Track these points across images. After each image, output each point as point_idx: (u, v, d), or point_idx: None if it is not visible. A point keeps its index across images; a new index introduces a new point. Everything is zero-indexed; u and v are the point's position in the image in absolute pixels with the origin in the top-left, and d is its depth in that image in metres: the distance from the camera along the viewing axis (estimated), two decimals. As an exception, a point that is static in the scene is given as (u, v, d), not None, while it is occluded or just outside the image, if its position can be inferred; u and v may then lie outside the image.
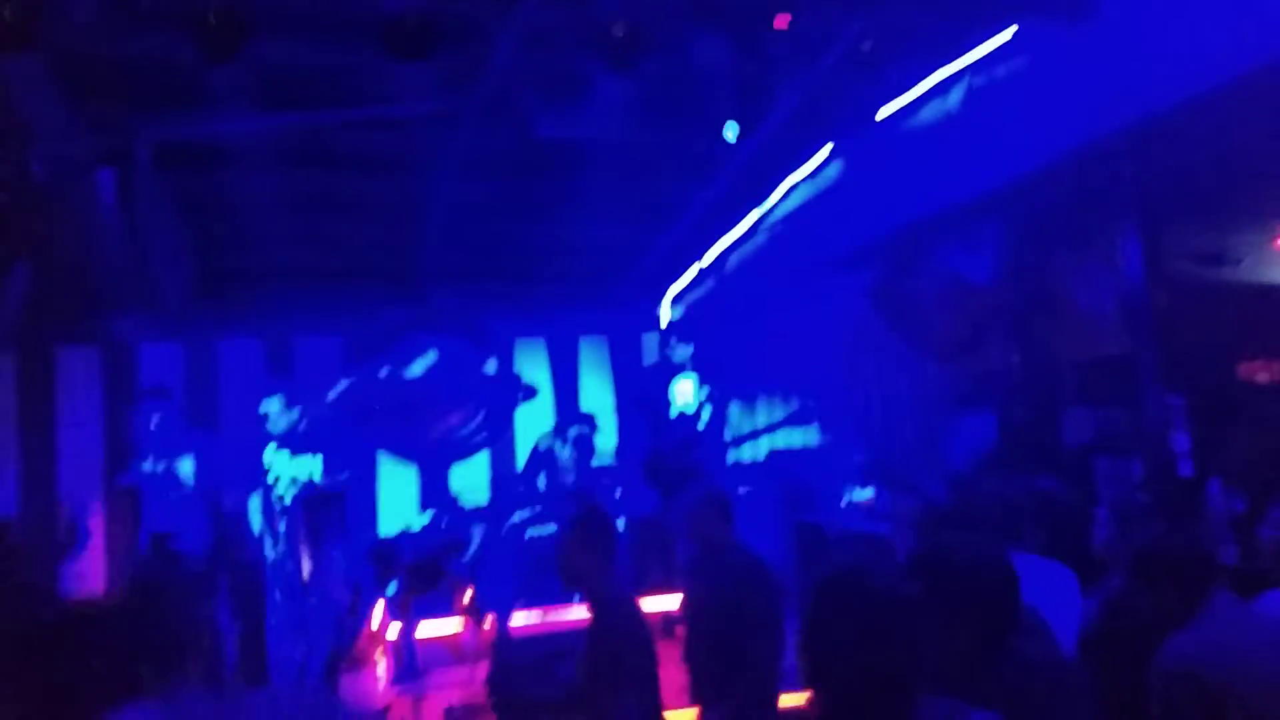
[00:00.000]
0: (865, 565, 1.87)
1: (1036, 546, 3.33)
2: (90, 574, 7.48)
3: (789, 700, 3.78)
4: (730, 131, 5.07)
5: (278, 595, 5.85)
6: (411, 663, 5.92)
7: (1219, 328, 5.19)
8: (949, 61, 5.41)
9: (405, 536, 6.51)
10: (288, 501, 5.98)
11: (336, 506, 6.40)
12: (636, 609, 3.33)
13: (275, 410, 6.21)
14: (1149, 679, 2.55)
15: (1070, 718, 2.17)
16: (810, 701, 1.80)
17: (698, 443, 5.60)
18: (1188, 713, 2.44)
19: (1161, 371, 5.33)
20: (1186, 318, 5.26)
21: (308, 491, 6.08)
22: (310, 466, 6.13)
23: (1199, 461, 5.11)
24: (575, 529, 3.37)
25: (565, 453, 7.61)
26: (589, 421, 7.87)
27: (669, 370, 5.86)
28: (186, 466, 5.75)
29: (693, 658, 3.86)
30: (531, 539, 7.02)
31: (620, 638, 3.19)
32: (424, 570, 6.05)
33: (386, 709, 5.40)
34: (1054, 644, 2.52)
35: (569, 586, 3.54)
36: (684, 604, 4.00)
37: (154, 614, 1.81)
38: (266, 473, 6.05)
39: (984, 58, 5.24)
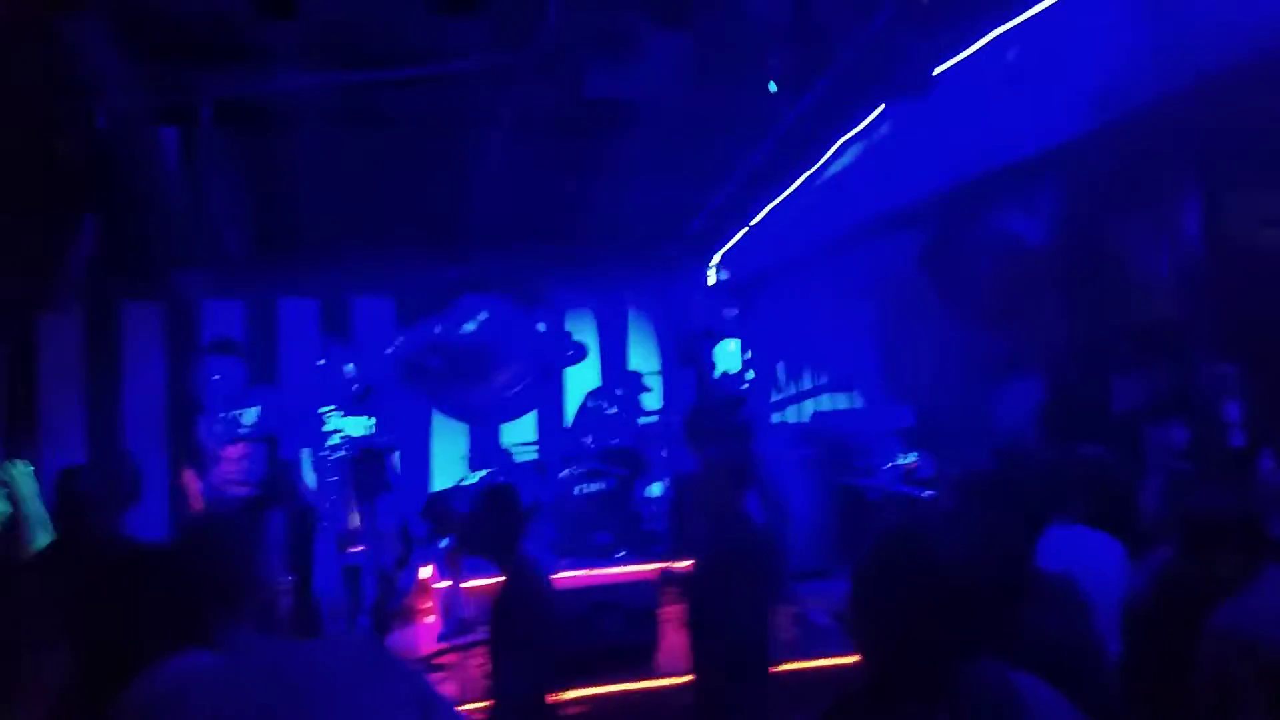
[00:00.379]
0: (916, 527, 1.88)
1: (1083, 516, 3.31)
2: (155, 524, 7.74)
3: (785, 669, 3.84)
4: (772, 86, 5.04)
5: (331, 547, 6.01)
6: (460, 616, 6.05)
7: (1278, 294, 5.07)
8: (1007, 19, 5.30)
9: (460, 490, 6.61)
10: (341, 455, 6.11)
11: (388, 463, 6.53)
12: (543, 579, 3.58)
13: (332, 368, 6.32)
14: (1200, 647, 2.50)
15: (1077, 692, 2.16)
16: (860, 662, 1.79)
17: (740, 404, 5.62)
18: (1241, 679, 2.39)
19: (1216, 339, 5.23)
20: (1244, 284, 5.14)
21: (360, 448, 6.21)
22: (364, 425, 6.25)
23: (1251, 432, 5.01)
24: (485, 501, 3.63)
25: (612, 411, 7.69)
26: (636, 380, 7.93)
27: (715, 332, 5.87)
28: (249, 418, 5.90)
29: (694, 627, 3.89)
30: (579, 495, 7.12)
31: (524, 604, 3.43)
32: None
33: (434, 661, 5.53)
34: (1079, 616, 2.46)
35: (476, 555, 3.73)
36: (689, 572, 4.02)
37: (203, 561, 1.86)
38: (322, 428, 6.19)
39: (1041, 14, 5.13)
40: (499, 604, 3.49)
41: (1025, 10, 5.20)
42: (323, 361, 6.37)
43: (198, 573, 1.83)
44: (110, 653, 1.69)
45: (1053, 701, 1.78)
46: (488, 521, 3.58)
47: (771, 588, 3.79)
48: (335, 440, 6.04)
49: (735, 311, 6.01)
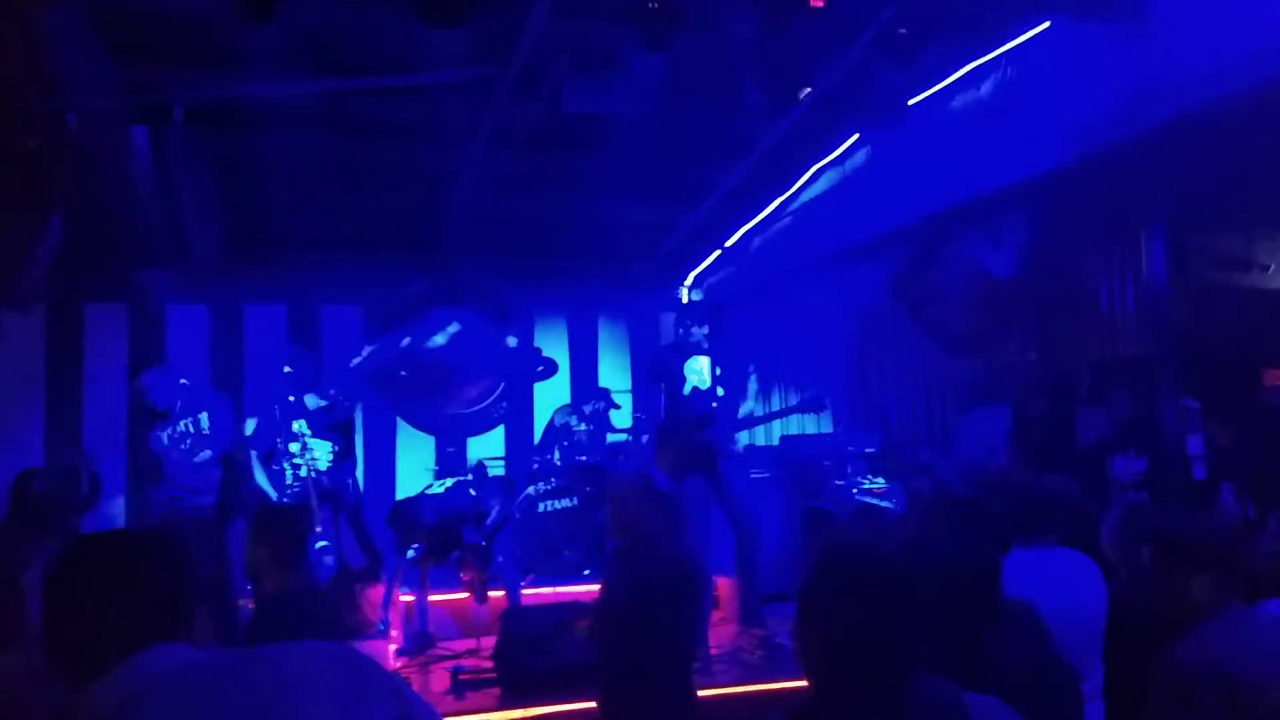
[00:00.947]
0: (864, 541, 1.89)
1: (1050, 542, 3.34)
2: (113, 526, 7.61)
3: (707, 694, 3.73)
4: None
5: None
6: (423, 629, 5.99)
7: (1240, 332, 5.17)
8: (983, 52, 5.39)
9: (426, 498, 6.52)
10: (303, 472, 6.04)
11: (351, 476, 6.48)
12: (299, 603, 3.46)
13: (298, 376, 6.26)
14: (1162, 673, 2.46)
15: (1045, 714, 2.15)
16: (807, 678, 1.80)
17: (707, 423, 5.62)
18: (1208, 706, 2.34)
19: (1179, 374, 5.32)
20: (1207, 321, 5.24)
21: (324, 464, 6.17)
22: (328, 449, 6.22)
23: (1212, 465, 5.10)
24: (255, 527, 3.57)
25: (581, 427, 7.66)
26: (605, 396, 7.91)
27: (685, 350, 5.87)
28: (205, 425, 5.86)
29: (601, 651, 3.66)
30: (546, 512, 7.08)
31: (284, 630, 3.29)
32: (446, 534, 6.07)
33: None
34: (1042, 639, 2.48)
35: (248, 580, 3.64)
36: (600, 595, 3.71)
37: (158, 563, 1.83)
38: (288, 439, 6.13)
39: (1016, 49, 5.22)
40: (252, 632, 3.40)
41: (1000, 45, 5.29)
42: (288, 369, 6.30)
43: (147, 577, 1.78)
44: (82, 646, 1.65)
45: None
46: (255, 548, 3.44)
47: (689, 619, 3.64)
48: (300, 459, 5.99)
49: (705, 330, 6.02)
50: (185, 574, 1.83)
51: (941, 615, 2.18)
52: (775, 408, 8.86)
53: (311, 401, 6.23)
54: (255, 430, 6.15)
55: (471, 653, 5.56)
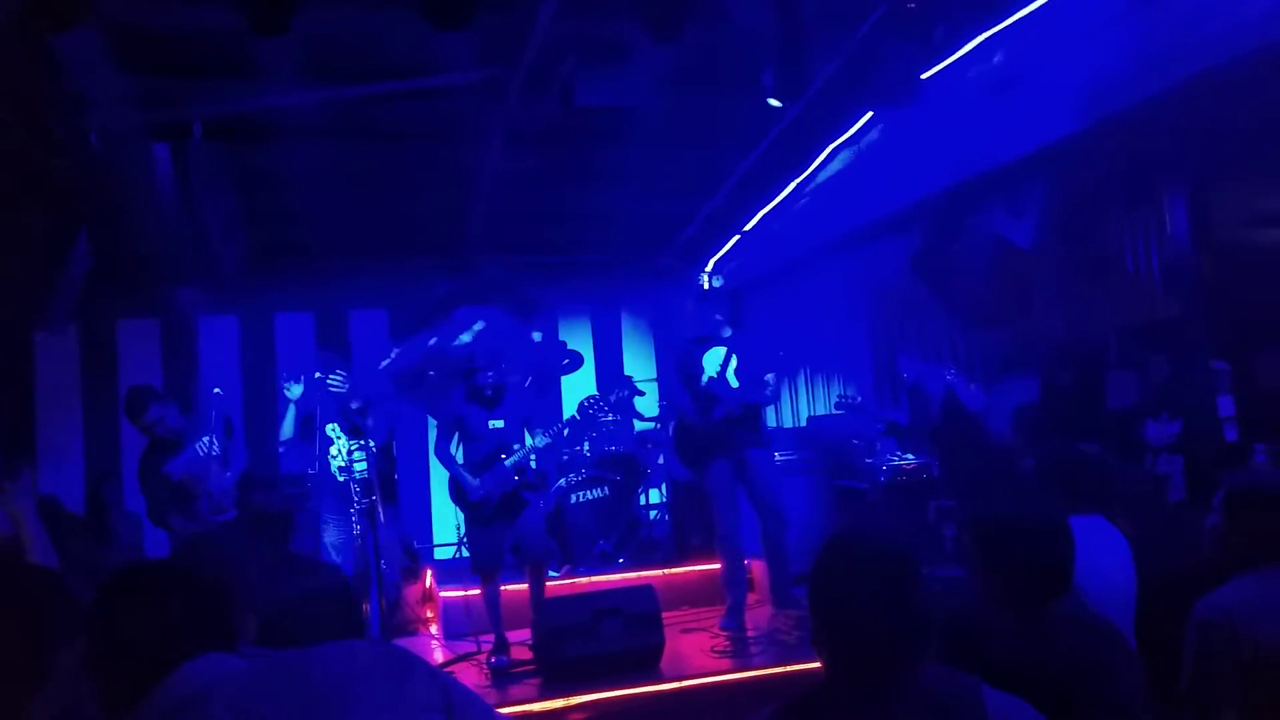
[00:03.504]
0: (874, 525, 1.87)
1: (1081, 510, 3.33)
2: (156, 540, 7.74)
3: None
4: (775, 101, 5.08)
5: (334, 556, 5.99)
6: (463, 622, 6.06)
7: (1268, 291, 5.10)
8: (995, 22, 5.33)
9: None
10: (352, 472, 6.07)
11: (389, 475, 6.52)
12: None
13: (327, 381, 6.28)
14: (1186, 630, 2.57)
15: (1123, 672, 2.16)
16: (821, 664, 1.77)
17: (726, 410, 5.63)
18: (1217, 660, 2.48)
19: (1208, 336, 5.27)
20: (1235, 281, 5.18)
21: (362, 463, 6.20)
22: (359, 448, 6.24)
23: (1244, 427, 5.05)
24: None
25: (609, 418, 7.70)
26: (629, 384, 7.95)
27: (708, 338, 5.88)
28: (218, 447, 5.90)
29: None
30: (578, 503, 7.13)
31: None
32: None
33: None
34: (1082, 603, 2.51)
35: None
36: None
37: (201, 580, 1.87)
38: (328, 444, 6.17)
39: (1030, 15, 5.16)
40: None
41: (1012, 14, 5.24)
42: (318, 375, 6.34)
43: (190, 590, 1.83)
44: (132, 656, 1.70)
45: None
46: None
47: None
48: (340, 461, 6.03)
49: (728, 317, 6.02)
50: (227, 588, 1.87)
51: (1009, 583, 2.20)
52: (800, 392, 8.89)
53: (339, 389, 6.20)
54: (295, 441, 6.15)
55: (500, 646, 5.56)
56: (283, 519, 5.63)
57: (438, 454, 5.83)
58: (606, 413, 7.34)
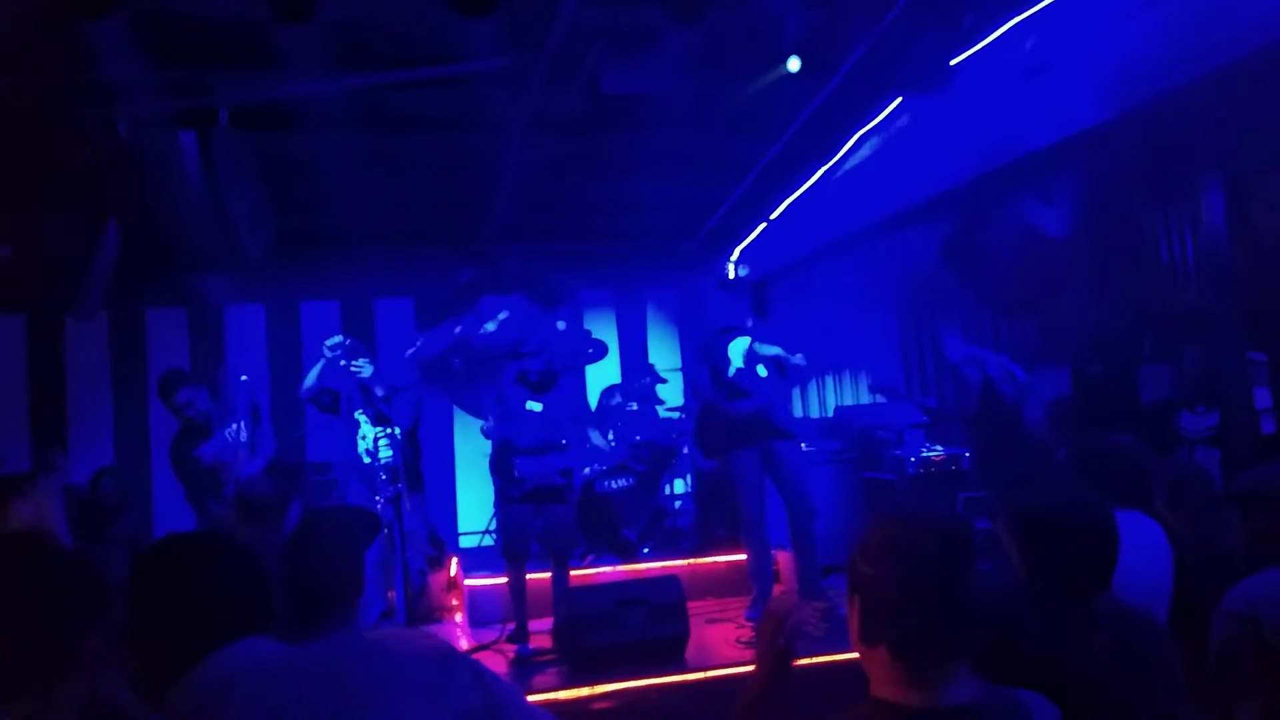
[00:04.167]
0: (919, 506, 1.81)
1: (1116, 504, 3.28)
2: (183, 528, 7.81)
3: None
4: (793, 63, 5.02)
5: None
6: (487, 611, 6.07)
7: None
8: (1025, 7, 5.25)
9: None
10: (378, 459, 6.10)
11: (415, 463, 6.53)
12: None
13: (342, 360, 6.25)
14: (1214, 622, 2.59)
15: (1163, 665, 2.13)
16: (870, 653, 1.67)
17: (750, 400, 5.59)
18: (1240, 651, 2.51)
19: (1244, 327, 5.17)
20: (1271, 271, 5.08)
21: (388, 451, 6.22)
22: (386, 434, 6.25)
23: (1282, 418, 4.96)
24: None
25: (633, 407, 7.69)
26: (651, 372, 7.93)
27: (734, 327, 5.84)
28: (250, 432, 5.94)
29: None
30: (604, 491, 7.12)
31: None
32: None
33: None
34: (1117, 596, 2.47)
35: None
36: None
37: (240, 560, 1.86)
38: (355, 431, 6.20)
39: (1061, 1, 5.08)
40: None
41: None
42: (343, 362, 6.31)
43: (221, 576, 1.82)
44: (174, 629, 1.70)
45: None
46: None
47: None
48: (367, 446, 6.05)
49: (752, 305, 5.97)
50: (264, 570, 1.87)
51: (1052, 575, 2.16)
52: (828, 380, 8.82)
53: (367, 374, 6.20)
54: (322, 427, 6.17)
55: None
56: (276, 507, 5.64)
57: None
58: (629, 402, 7.32)
